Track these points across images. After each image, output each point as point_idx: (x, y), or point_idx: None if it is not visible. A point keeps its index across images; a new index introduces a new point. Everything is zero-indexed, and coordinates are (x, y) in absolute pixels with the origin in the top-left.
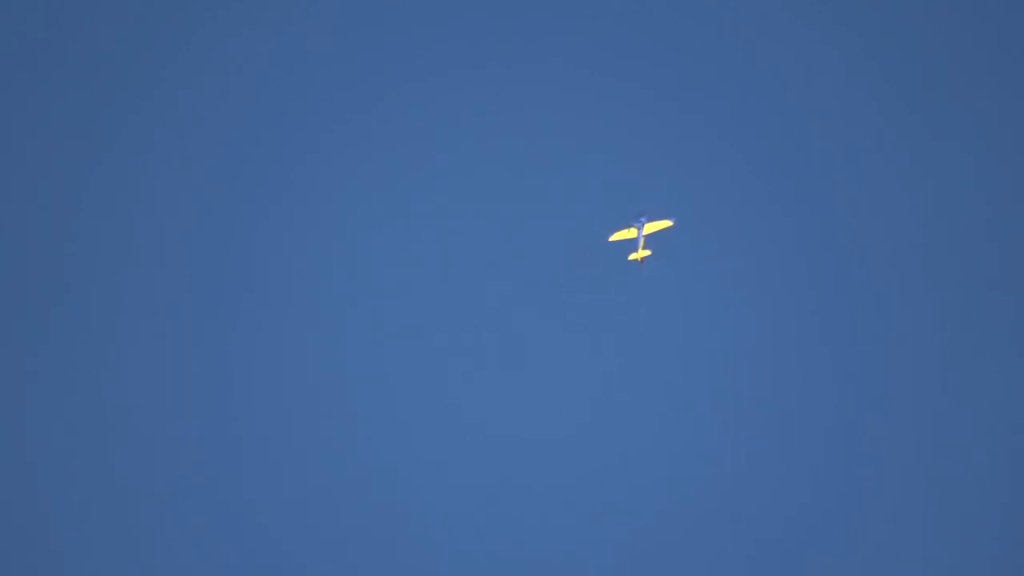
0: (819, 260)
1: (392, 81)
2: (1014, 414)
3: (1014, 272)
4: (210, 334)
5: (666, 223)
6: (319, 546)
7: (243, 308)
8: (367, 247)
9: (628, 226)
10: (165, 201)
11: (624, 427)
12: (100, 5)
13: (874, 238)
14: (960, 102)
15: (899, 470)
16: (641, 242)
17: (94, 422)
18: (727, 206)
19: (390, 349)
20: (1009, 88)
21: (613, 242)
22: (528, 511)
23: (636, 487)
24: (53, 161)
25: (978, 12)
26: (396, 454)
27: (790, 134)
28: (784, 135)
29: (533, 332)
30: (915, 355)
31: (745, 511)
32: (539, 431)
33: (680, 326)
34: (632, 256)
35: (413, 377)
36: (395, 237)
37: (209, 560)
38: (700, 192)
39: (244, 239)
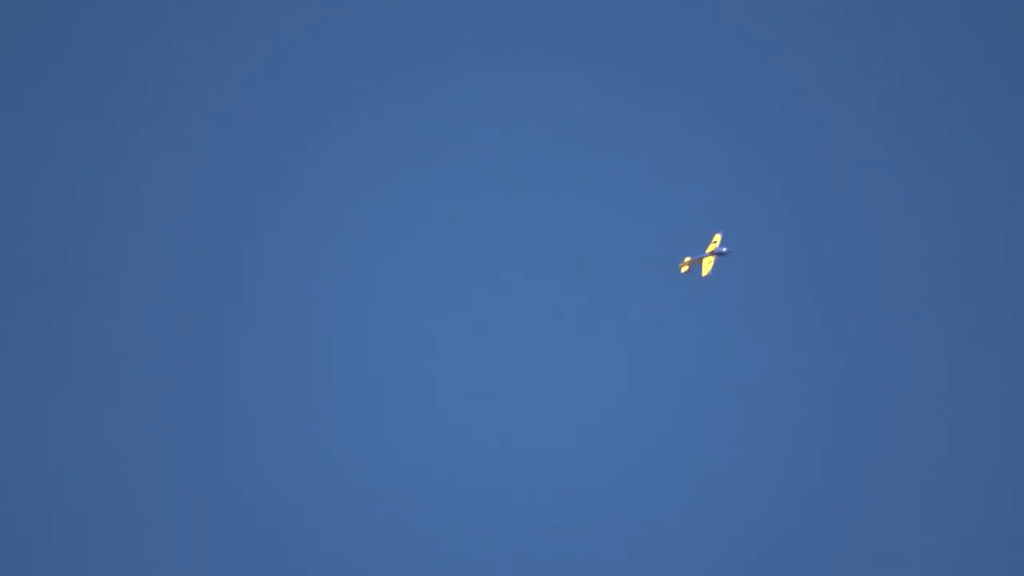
0: (825, 270)
1: (390, 78)
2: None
3: None
4: (203, 332)
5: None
6: (317, 551)
7: (239, 305)
8: (365, 246)
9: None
10: (157, 196)
11: (624, 434)
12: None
13: (882, 249)
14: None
15: (912, 481)
16: (705, 259)
17: (83, 420)
18: (732, 216)
19: (388, 351)
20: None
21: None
22: (526, 517)
23: (635, 494)
24: (46, 158)
25: (993, 15)
26: (396, 458)
27: (791, 133)
28: (786, 135)
29: (535, 334)
30: (923, 363)
31: (749, 521)
32: (538, 437)
33: (684, 330)
34: (688, 263)
35: (411, 379)
36: (394, 237)
37: (198, 558)
38: (711, 210)
39: (241, 238)
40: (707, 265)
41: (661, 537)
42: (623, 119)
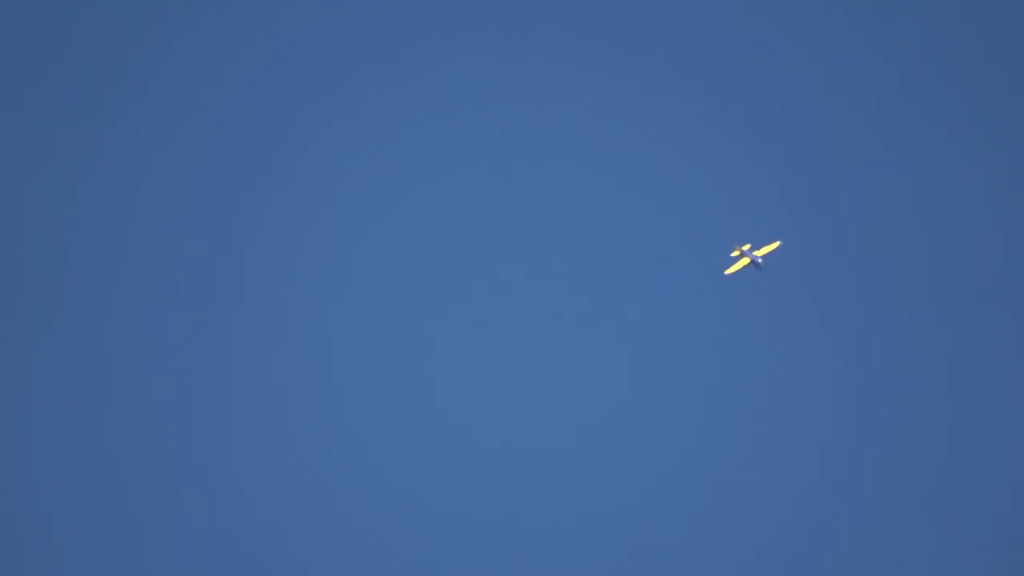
0: (825, 270)
1: (390, 78)
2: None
3: None
4: (203, 332)
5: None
6: (317, 551)
7: (239, 305)
8: (365, 246)
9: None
10: (157, 196)
11: (624, 434)
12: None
13: (882, 249)
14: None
15: (912, 481)
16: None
17: (83, 420)
18: (726, 212)
19: (388, 351)
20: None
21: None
22: (526, 517)
23: (635, 494)
24: (46, 158)
25: (993, 15)
26: (396, 458)
27: (791, 133)
28: (786, 135)
29: (535, 334)
30: (923, 363)
31: (749, 521)
32: (538, 437)
33: (684, 330)
34: (739, 252)
35: (411, 379)
36: (394, 238)
37: (198, 558)
38: (706, 205)
39: (241, 238)
40: (737, 265)
41: (661, 537)
42: (623, 119)
